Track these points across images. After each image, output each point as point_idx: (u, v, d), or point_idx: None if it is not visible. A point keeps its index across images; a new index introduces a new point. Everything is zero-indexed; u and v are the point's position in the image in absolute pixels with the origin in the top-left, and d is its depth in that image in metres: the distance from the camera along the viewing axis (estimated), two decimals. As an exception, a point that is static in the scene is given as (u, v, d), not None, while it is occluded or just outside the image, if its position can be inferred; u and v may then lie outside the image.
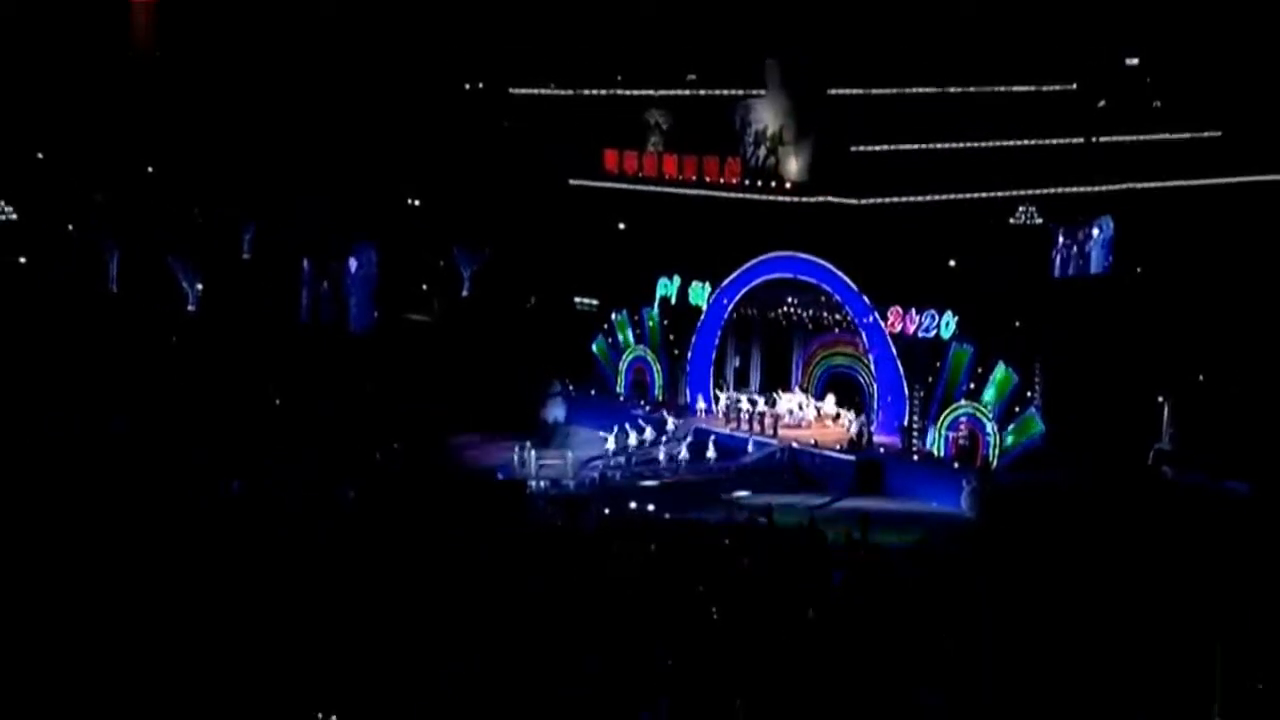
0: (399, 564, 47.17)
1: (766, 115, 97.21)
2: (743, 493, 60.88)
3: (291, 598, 44.11)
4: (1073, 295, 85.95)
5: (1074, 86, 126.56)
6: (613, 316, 73.22)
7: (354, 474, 58.28)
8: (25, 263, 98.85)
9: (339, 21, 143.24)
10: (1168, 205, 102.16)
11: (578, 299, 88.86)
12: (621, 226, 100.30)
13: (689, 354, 70.31)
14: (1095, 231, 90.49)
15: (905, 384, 63.10)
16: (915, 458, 62.24)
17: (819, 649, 41.41)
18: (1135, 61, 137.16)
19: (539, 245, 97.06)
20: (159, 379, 73.37)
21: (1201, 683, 37.00)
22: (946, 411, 61.52)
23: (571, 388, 72.70)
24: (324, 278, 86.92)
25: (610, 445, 65.55)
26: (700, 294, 70.20)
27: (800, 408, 67.70)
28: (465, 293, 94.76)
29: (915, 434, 62.60)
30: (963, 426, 61.25)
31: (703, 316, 69.78)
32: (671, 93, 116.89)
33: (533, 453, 62.76)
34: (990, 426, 60.56)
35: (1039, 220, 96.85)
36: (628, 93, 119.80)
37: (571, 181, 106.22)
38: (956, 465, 60.61)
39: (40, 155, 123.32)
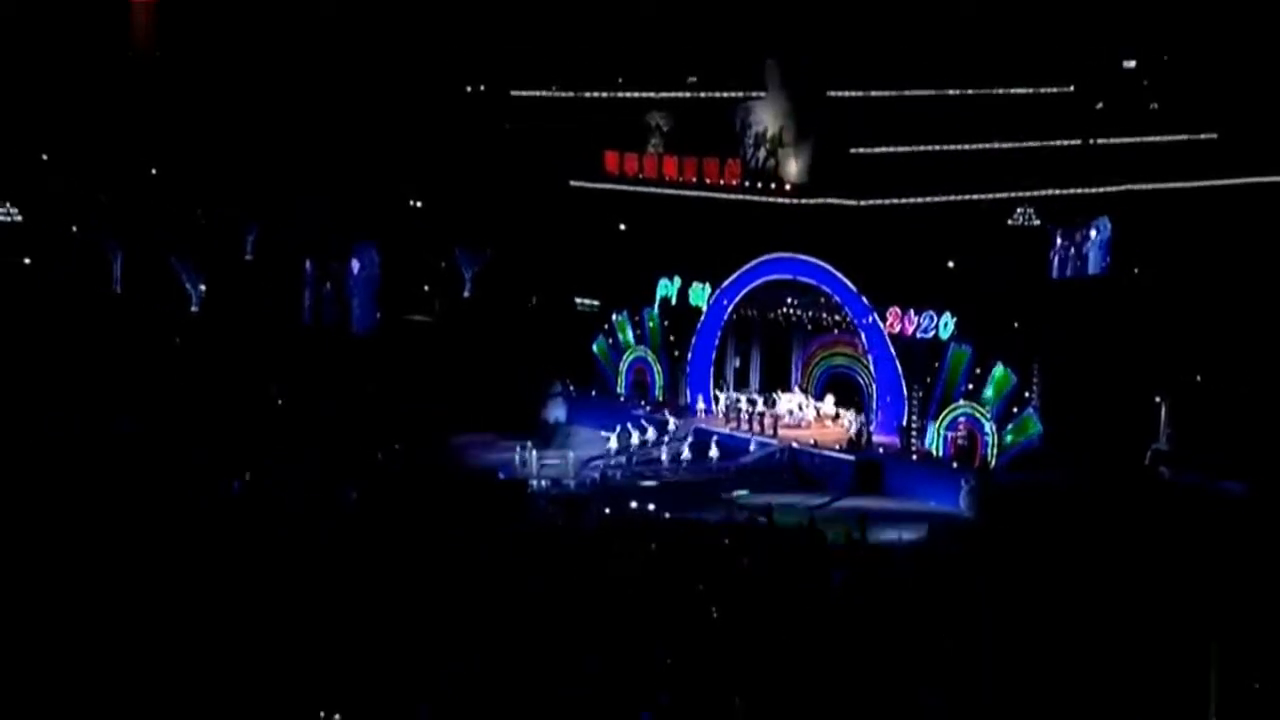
0: (400, 564, 47.28)
1: (766, 117, 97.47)
2: (742, 492, 61.15)
3: (293, 598, 44.14)
4: (1070, 296, 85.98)
5: (1072, 89, 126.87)
6: (613, 317, 73.31)
7: (356, 474, 58.36)
8: (29, 263, 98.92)
9: (340, 22, 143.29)
10: (1165, 207, 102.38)
11: (578, 300, 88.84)
12: (622, 227, 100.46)
13: (689, 354, 70.42)
14: (1093, 233, 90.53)
15: (904, 384, 63.24)
16: (914, 457, 62.47)
17: (819, 649, 41.58)
18: (1132, 64, 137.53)
19: (540, 246, 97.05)
20: (162, 379, 73.42)
21: (1198, 682, 37.12)
22: (945, 411, 61.69)
23: (572, 388, 72.86)
24: (326, 278, 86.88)
25: (613, 445, 65.77)
26: (700, 295, 70.34)
27: (800, 408, 67.87)
28: (467, 293, 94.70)
29: (914, 434, 62.83)
30: (961, 426, 61.42)
31: (703, 317, 69.93)
32: (672, 94, 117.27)
33: (534, 453, 62.99)
34: (989, 426, 60.75)
35: (1037, 221, 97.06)
36: (628, 95, 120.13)
37: (572, 183, 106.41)
38: (955, 465, 60.86)
39: (44, 156, 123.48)
